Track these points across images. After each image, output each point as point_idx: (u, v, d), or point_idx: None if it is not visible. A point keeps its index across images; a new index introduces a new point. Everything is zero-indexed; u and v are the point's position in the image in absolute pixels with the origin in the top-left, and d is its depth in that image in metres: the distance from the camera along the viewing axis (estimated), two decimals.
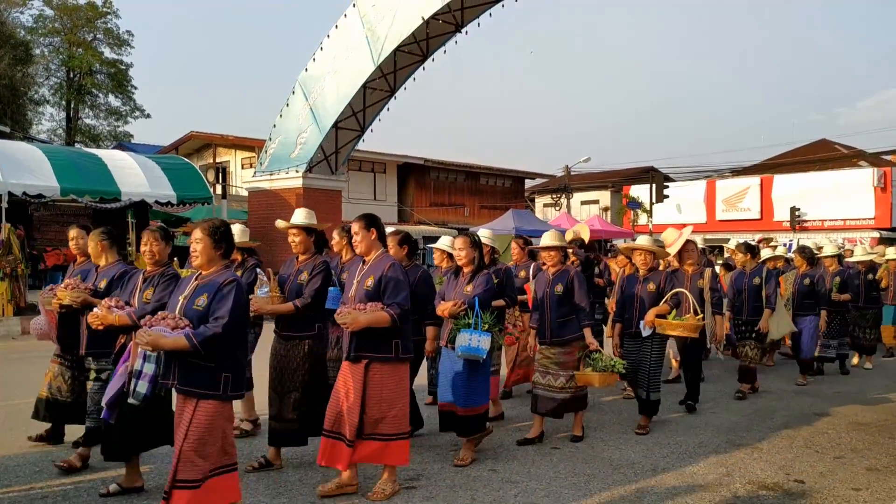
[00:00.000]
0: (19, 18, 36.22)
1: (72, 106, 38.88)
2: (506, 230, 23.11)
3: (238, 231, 6.26)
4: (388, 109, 18.70)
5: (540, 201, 45.07)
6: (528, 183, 42.47)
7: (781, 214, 34.98)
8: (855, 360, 11.22)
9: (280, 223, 5.91)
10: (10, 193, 15.26)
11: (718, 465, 5.82)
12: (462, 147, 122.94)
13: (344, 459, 4.79)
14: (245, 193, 22.24)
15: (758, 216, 36.40)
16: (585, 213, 39.86)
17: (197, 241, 4.10)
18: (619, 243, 9.31)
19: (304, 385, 5.38)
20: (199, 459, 3.87)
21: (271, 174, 19.21)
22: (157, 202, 18.04)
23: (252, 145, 28.66)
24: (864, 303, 11.17)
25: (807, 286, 9.61)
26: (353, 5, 17.44)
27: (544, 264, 6.77)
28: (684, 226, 10.00)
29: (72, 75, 38.38)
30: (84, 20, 37.63)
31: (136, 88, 40.18)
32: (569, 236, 9.04)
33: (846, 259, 12.08)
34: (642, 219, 36.26)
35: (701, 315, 6.78)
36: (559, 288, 6.34)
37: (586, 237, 9.15)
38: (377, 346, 4.80)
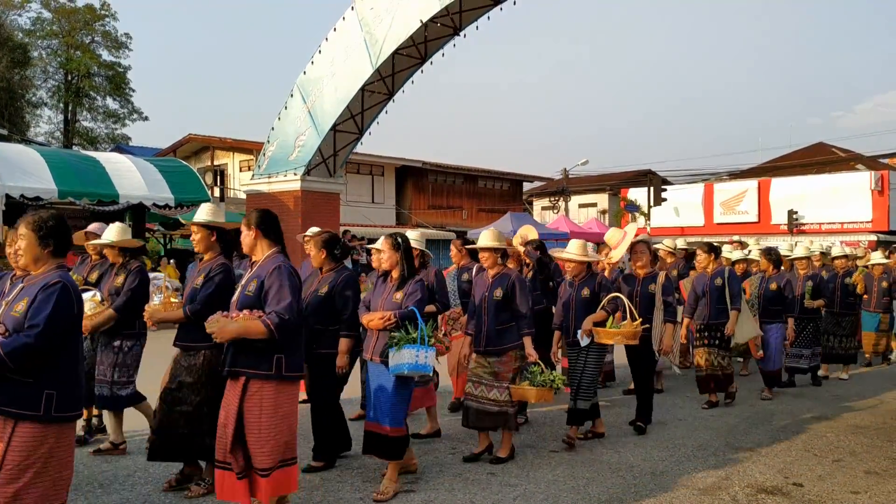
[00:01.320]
0: (17, 21, 36.29)
1: (69, 108, 38.89)
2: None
3: (117, 230, 6.01)
4: (386, 112, 18.69)
5: (538, 204, 45.12)
6: (527, 186, 42.51)
7: (779, 217, 35.00)
8: (823, 370, 10.07)
9: (182, 222, 5.62)
10: (7, 196, 15.23)
11: (717, 468, 5.82)
12: (460, 150, 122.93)
13: (240, 495, 4.23)
14: (243, 196, 22.22)
15: (755, 219, 36.41)
16: (583, 216, 39.87)
17: (21, 238, 3.62)
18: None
19: (195, 401, 4.89)
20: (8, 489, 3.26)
21: (269, 177, 19.20)
22: (154, 205, 18.01)
23: (250, 148, 28.65)
24: (840, 309, 10.35)
25: (773, 291, 8.81)
26: (352, 8, 17.44)
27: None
28: (683, 230, 9.85)
29: (70, 78, 38.39)
30: (82, 23, 37.65)
31: (133, 91, 40.29)
32: (515, 240, 8.51)
33: (860, 264, 11.58)
34: (640, 222, 36.28)
35: (639, 321, 6.28)
36: (498, 293, 5.87)
37: (535, 237, 8.22)
38: (256, 361, 4.19)
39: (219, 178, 31.44)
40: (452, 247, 7.90)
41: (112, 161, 18.29)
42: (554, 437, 6.65)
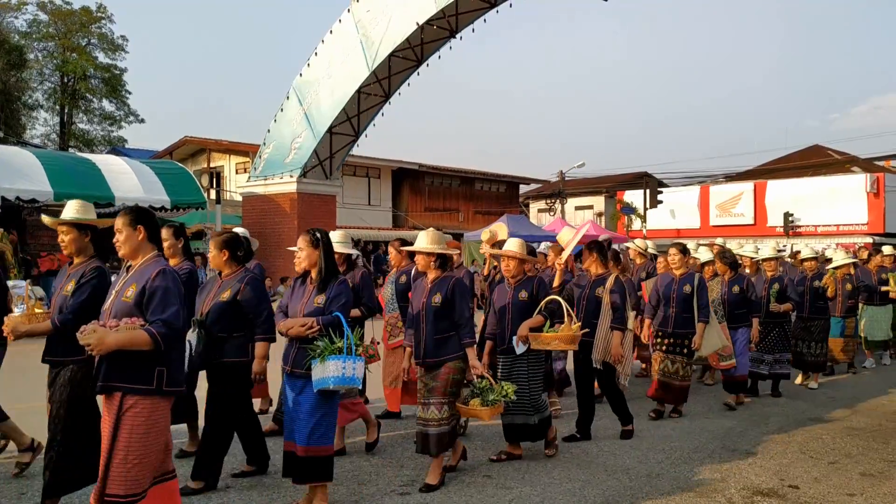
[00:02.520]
0: (13, 23, 36.23)
1: (65, 111, 38.83)
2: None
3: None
4: (382, 114, 18.72)
5: (534, 206, 45.17)
6: (523, 188, 42.55)
7: (775, 220, 35.07)
8: (798, 378, 9.77)
9: (45, 219, 4.98)
10: (3, 198, 15.23)
11: (713, 470, 5.82)
12: (457, 152, 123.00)
13: None
14: (239, 198, 22.22)
15: (751, 221, 36.50)
16: (580, 219, 39.89)
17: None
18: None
19: (62, 422, 4.40)
20: None
21: (266, 179, 19.20)
22: (151, 207, 17.99)
23: (246, 150, 28.66)
24: (809, 313, 9.65)
25: (736, 295, 8.43)
26: (348, 10, 17.47)
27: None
28: (680, 232, 9.69)
29: (66, 80, 38.33)
30: (78, 25, 37.60)
31: (130, 93, 40.22)
32: (485, 236, 8.22)
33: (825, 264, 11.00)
34: (636, 224, 36.33)
35: (578, 324, 5.85)
36: (437, 298, 5.27)
37: (504, 237, 7.64)
38: (134, 374, 3.70)
39: (215, 180, 31.50)
40: (391, 248, 7.45)
41: (108, 163, 18.29)
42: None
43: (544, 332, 5.78)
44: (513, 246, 6.05)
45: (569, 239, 6.94)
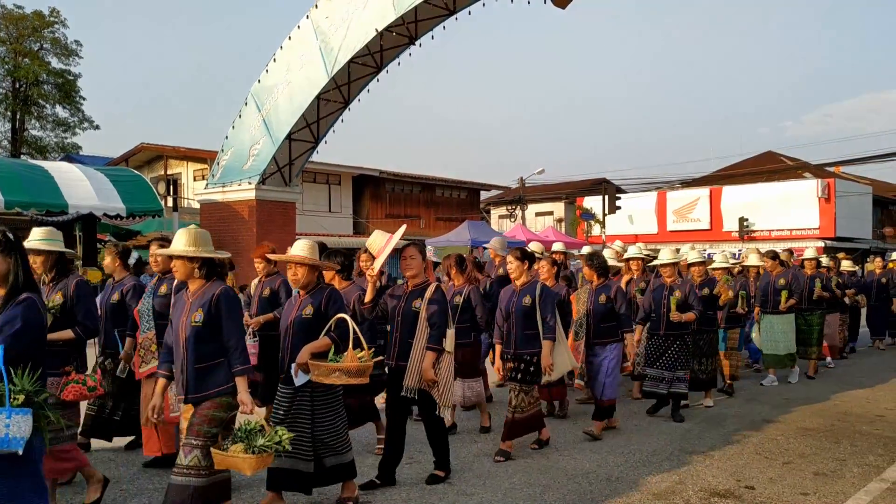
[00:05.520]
0: None
1: (17, 117, 37.94)
2: (461, 242, 23.21)
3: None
4: (342, 121, 18.63)
5: (495, 213, 45.41)
6: (484, 195, 42.71)
7: (730, 225, 35.76)
8: (708, 397, 8.66)
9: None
10: None
11: (672, 473, 5.89)
12: (418, 159, 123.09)
13: None
14: (197, 206, 21.93)
15: (707, 227, 37.17)
16: (540, 225, 40.19)
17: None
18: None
19: None
20: None
21: (224, 186, 18.97)
22: (105, 215, 17.70)
23: (204, 157, 28.32)
24: (698, 325, 8.36)
25: (603, 305, 7.19)
26: (307, 17, 17.37)
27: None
28: (638, 237, 9.51)
29: (17, 85, 37.45)
30: (30, 29, 36.78)
31: (84, 99, 39.40)
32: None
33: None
34: (596, 230, 36.68)
35: (369, 351, 4.69)
36: (197, 316, 4.19)
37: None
38: None
39: (172, 187, 31.07)
40: (151, 248, 6.30)
41: (61, 170, 17.93)
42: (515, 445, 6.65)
43: (328, 359, 4.65)
44: (299, 249, 4.96)
45: (380, 246, 5.65)
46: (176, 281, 5.36)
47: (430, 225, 35.54)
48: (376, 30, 15.96)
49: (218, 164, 19.48)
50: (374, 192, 34.28)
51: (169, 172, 31.42)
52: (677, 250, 10.67)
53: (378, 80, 17.98)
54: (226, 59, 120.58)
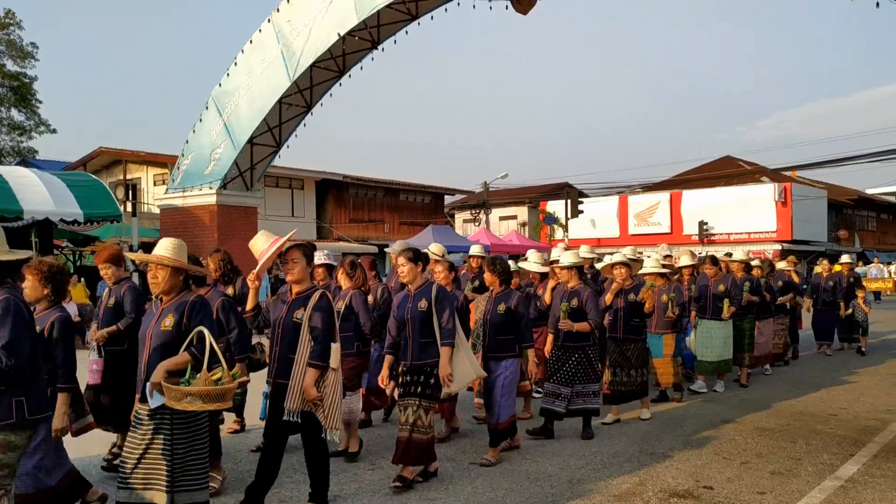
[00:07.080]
0: None
1: None
2: (425, 246, 23.18)
3: None
4: (304, 125, 18.56)
5: (459, 217, 45.55)
6: (448, 199, 42.79)
7: (690, 228, 36.29)
8: (611, 415, 7.80)
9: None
10: None
11: (632, 474, 5.96)
12: (381, 163, 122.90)
13: None
14: (157, 211, 21.65)
15: (668, 230, 37.66)
16: (504, 229, 40.37)
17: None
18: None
19: None
20: None
21: (184, 191, 18.76)
22: (62, 220, 17.39)
23: (164, 161, 27.96)
24: (624, 333, 7.80)
25: (501, 315, 6.39)
26: (268, 20, 17.28)
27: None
28: (600, 241, 9.17)
29: None
30: None
31: (40, 102, 38.78)
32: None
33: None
34: (558, 233, 36.97)
35: (224, 373, 4.02)
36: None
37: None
38: None
39: (131, 192, 30.59)
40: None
41: (16, 175, 17.56)
42: (474, 449, 6.67)
43: (181, 380, 4.02)
44: (162, 249, 4.34)
45: (263, 248, 5.04)
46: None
47: (395, 229, 35.49)
48: (338, 34, 15.94)
49: (178, 168, 19.26)
50: (338, 197, 34.14)
51: (128, 177, 30.93)
52: (640, 252, 10.56)
53: (340, 85, 17.96)
54: (188, 63, 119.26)
